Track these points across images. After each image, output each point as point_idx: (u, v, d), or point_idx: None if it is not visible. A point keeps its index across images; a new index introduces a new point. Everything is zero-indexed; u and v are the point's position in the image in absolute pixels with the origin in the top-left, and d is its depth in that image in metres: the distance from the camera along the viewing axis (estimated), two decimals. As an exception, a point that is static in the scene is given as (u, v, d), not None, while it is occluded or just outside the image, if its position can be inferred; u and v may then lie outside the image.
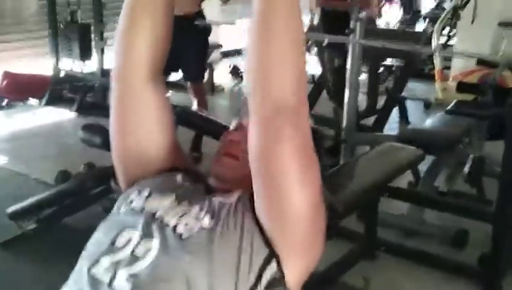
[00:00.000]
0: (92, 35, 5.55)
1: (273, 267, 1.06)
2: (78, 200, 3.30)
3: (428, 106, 5.93)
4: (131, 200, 1.22)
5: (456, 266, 2.94)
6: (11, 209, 3.20)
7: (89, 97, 5.73)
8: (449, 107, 3.98)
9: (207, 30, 4.37)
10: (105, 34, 5.53)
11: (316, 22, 4.30)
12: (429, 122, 3.75)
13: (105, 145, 3.18)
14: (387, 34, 5.28)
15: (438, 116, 3.90)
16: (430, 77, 6.41)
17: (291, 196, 1.02)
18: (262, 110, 1.00)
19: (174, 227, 1.10)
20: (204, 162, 4.29)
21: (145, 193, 1.21)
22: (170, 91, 4.18)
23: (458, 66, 5.78)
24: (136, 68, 1.23)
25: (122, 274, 1.05)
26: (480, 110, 3.89)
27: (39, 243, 3.15)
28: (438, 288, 2.82)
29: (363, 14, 3.43)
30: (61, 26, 5.67)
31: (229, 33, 7.19)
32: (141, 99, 1.25)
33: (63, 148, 4.69)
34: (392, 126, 5.10)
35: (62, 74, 5.90)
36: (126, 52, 1.24)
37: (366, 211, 3.00)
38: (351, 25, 3.39)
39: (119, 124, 1.28)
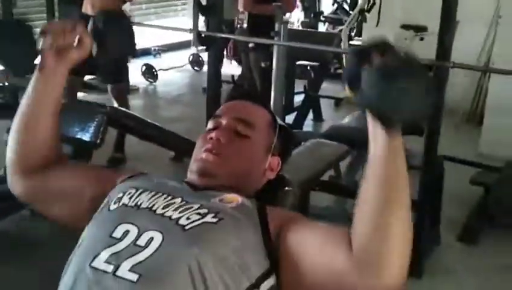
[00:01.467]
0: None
1: (271, 282, 1.14)
2: (7, 205, 3.21)
3: (337, 103, 6.22)
4: (119, 198, 1.26)
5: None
6: None
7: (-1, 99, 5.52)
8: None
9: (128, 30, 4.31)
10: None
11: (245, 25, 4.43)
12: (348, 119, 3.97)
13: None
14: (305, 36, 5.49)
15: (354, 113, 4.14)
16: (336, 76, 6.74)
17: None
18: (369, 276, 1.01)
19: (177, 220, 1.15)
20: (129, 163, 4.30)
21: (133, 191, 1.26)
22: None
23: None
24: (44, 160, 1.39)
25: (126, 264, 1.09)
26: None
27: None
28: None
29: (286, 17, 3.59)
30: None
31: (139, 32, 7.14)
32: (59, 180, 1.40)
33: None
34: (307, 123, 5.32)
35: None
36: (27, 153, 1.40)
37: (299, 204, 3.15)
38: (276, 28, 3.53)
39: (48, 206, 1.42)
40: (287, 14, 3.82)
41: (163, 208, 1.19)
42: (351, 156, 3.72)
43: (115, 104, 4.35)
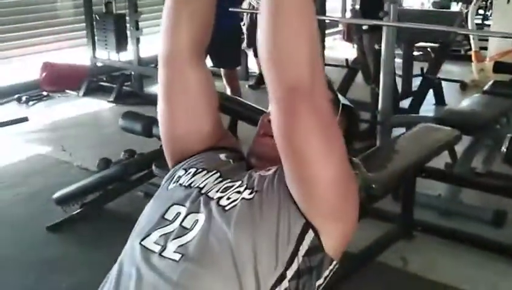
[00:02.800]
0: (128, 25, 5.66)
1: (310, 235, 1.11)
2: (120, 186, 3.39)
3: (464, 87, 5.87)
4: (179, 176, 1.28)
5: (495, 245, 2.93)
6: (56, 194, 3.31)
7: (126, 86, 5.86)
8: (486, 87, 3.97)
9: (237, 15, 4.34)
10: (141, 24, 5.62)
11: (357, 7, 4.30)
12: (465, 103, 3.72)
13: (145, 132, 3.28)
14: (422, 15, 5.24)
15: (474, 96, 3.88)
16: (466, 58, 6.36)
17: (315, 167, 1.06)
18: (278, 91, 1.03)
19: (218, 200, 1.16)
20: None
21: (192, 170, 1.28)
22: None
23: (494, 46, 5.73)
24: (183, 52, 1.29)
25: (172, 245, 1.11)
26: (517, 90, 3.86)
27: (83, 226, 3.27)
28: (477, 267, 2.82)
29: (397, -4, 3.42)
30: (97, 17, 5.80)
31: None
32: (189, 82, 1.30)
33: (103, 136, 4.80)
34: (428, 108, 5.08)
35: (99, 64, 6.04)
36: (173, 36, 1.29)
37: (403, 191, 3.02)
38: (385, 8, 3.39)
39: (168, 107, 1.33)
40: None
41: (211, 189, 1.20)
42: (469, 142, 3.51)
43: (228, 90, 4.45)
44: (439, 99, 5.31)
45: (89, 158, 4.16)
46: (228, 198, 1.16)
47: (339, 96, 1.38)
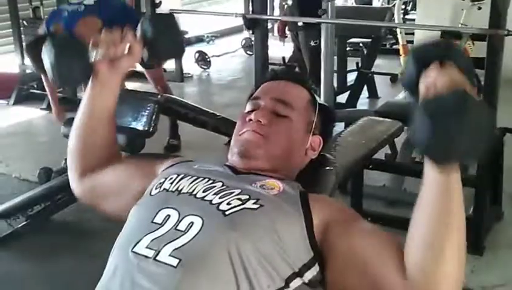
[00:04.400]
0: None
1: (315, 270, 1.11)
2: (66, 196, 3.30)
3: (394, 80, 6.08)
4: (161, 183, 1.26)
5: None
6: (0, 207, 3.19)
7: (58, 92, 5.67)
8: (419, 79, 4.12)
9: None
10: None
11: (290, 2, 4.36)
12: (402, 95, 3.86)
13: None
14: (355, 12, 5.38)
15: (409, 89, 4.02)
16: (392, 52, 6.58)
17: None
18: None
19: (218, 205, 1.15)
20: (183, 149, 4.34)
21: (174, 177, 1.26)
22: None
23: (421, 39, 5.95)
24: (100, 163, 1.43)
25: (167, 249, 1.09)
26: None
27: (31, 239, 3.16)
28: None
29: (333, -6, 3.50)
30: (25, 23, 5.61)
31: (192, 20, 7.20)
32: (105, 184, 1.43)
33: (39, 145, 4.67)
34: (362, 101, 5.23)
35: (29, 71, 5.84)
36: (86, 160, 1.45)
37: (352, 184, 3.10)
38: (323, 6, 3.45)
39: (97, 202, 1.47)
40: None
41: (203, 192, 1.19)
42: (406, 132, 3.63)
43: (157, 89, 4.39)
44: (373, 93, 5.47)
45: (27, 168, 4.03)
46: (228, 203, 1.15)
47: (315, 96, 1.42)
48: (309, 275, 1.11)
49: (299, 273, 1.10)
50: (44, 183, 3.51)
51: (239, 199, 1.16)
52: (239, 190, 1.18)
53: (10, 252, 3.09)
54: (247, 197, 1.16)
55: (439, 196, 0.99)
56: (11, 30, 5.77)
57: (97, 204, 1.46)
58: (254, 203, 1.14)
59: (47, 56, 1.31)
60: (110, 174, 1.42)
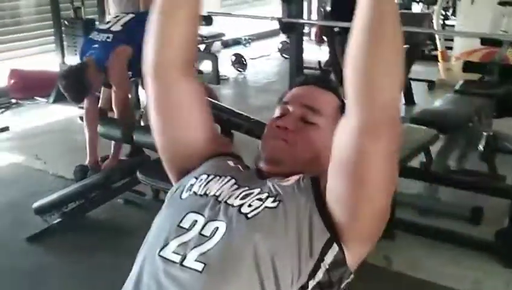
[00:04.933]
0: (97, 31, 5.59)
1: (334, 250, 1.11)
2: (102, 194, 3.36)
3: (431, 86, 6.00)
4: (191, 184, 1.27)
5: (474, 241, 3.01)
6: (36, 204, 3.26)
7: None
8: (457, 87, 4.07)
9: None
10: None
11: (328, 9, 4.34)
12: (439, 102, 3.81)
13: (125, 138, 3.26)
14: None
15: (447, 96, 3.97)
16: (430, 58, 6.49)
17: (372, 197, 1.08)
18: (366, 113, 1.03)
19: (239, 207, 1.16)
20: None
21: (204, 177, 1.27)
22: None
23: (460, 45, 5.87)
24: (174, 64, 1.29)
25: (193, 255, 1.10)
26: (488, 89, 3.97)
27: (64, 236, 3.23)
28: (458, 264, 2.89)
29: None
30: (66, 22, 5.72)
31: (230, 22, 7.24)
32: (181, 93, 1.31)
33: (76, 143, 4.73)
34: (398, 108, 5.17)
35: (68, 70, 5.94)
36: (163, 49, 1.29)
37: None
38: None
39: (163, 121, 1.34)
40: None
41: (228, 196, 1.20)
42: (442, 141, 3.59)
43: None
44: (409, 99, 5.41)
45: (64, 166, 4.11)
46: (249, 205, 1.15)
47: (345, 102, 1.40)
48: (330, 256, 1.11)
49: (321, 259, 1.10)
50: (80, 180, 3.57)
51: (259, 199, 1.16)
52: (258, 189, 1.19)
53: (45, 248, 3.15)
54: (266, 195, 1.17)
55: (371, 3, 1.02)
56: (52, 30, 5.88)
57: (162, 125, 1.34)
58: (273, 201, 1.15)
59: None
60: (187, 97, 1.31)
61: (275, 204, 1.14)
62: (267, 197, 1.16)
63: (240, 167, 1.34)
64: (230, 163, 1.34)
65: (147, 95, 1.34)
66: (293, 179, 1.21)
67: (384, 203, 1.10)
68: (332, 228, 1.12)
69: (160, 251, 1.14)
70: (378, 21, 1.01)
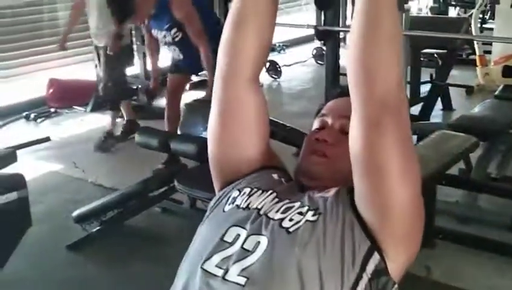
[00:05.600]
0: (133, 40, 5.66)
1: (376, 258, 1.10)
2: (139, 202, 3.39)
3: (470, 92, 5.90)
4: (234, 197, 1.27)
5: (517, 251, 2.94)
6: (75, 212, 3.31)
7: (133, 100, 5.85)
8: (497, 92, 3.99)
9: None
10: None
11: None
12: (478, 108, 3.75)
13: (162, 147, 3.29)
14: (430, 22, 5.27)
15: (486, 102, 3.90)
16: (468, 63, 6.38)
17: (395, 189, 1.07)
18: (367, 106, 1.05)
19: (280, 221, 1.15)
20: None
21: (247, 190, 1.27)
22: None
23: (498, 50, 5.76)
24: (246, 70, 1.28)
25: (235, 269, 1.10)
26: (529, 95, 3.89)
27: (104, 244, 3.27)
28: (501, 273, 2.83)
29: (408, 5, 3.45)
30: (103, 32, 5.79)
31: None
32: (248, 103, 1.30)
33: (114, 152, 4.80)
34: (435, 113, 5.10)
35: (106, 79, 6.03)
36: (239, 53, 1.28)
37: (424, 200, 3.02)
38: (397, 16, 3.40)
39: (222, 127, 1.32)
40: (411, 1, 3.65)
41: (269, 210, 1.19)
42: (482, 148, 3.52)
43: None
44: (447, 105, 5.33)
45: (102, 174, 4.17)
46: (291, 219, 1.15)
47: None
48: (371, 265, 1.10)
49: (363, 269, 1.09)
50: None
51: (300, 213, 1.16)
52: (299, 203, 1.19)
53: (84, 257, 3.19)
54: (306, 208, 1.16)
55: None
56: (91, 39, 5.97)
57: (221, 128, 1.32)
58: (313, 214, 1.15)
59: None
60: (250, 107, 1.29)
61: (315, 217, 1.14)
62: (308, 211, 1.16)
63: (283, 180, 1.33)
64: (275, 176, 1.34)
65: (214, 101, 1.32)
66: (332, 191, 1.20)
67: (410, 194, 1.09)
68: (371, 236, 1.11)
69: (203, 263, 1.14)
70: (374, 6, 1.02)
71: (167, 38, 4.02)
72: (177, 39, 3.98)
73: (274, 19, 1.30)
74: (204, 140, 2.86)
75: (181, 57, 4.13)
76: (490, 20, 7.54)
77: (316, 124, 1.37)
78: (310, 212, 1.15)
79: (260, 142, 1.34)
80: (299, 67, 7.45)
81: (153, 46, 4.41)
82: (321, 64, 7.31)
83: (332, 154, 1.29)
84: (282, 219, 1.16)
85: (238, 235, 1.16)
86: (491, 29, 6.62)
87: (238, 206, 1.24)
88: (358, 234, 1.10)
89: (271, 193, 1.25)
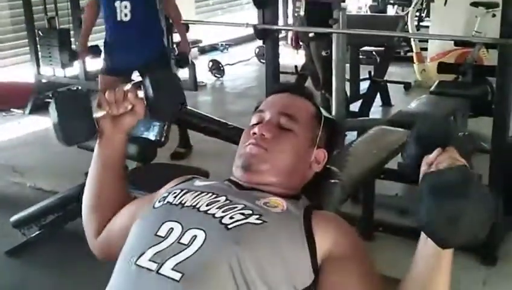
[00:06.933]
0: (72, 40, 5.55)
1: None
2: (79, 205, 3.32)
3: (408, 88, 6.06)
4: (164, 197, 1.27)
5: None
6: (14, 217, 3.22)
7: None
8: (432, 88, 4.11)
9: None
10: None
11: (301, 13, 4.36)
12: (414, 104, 3.85)
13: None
14: (367, 20, 5.37)
15: (422, 97, 4.01)
16: (406, 60, 6.56)
17: None
18: None
19: (220, 219, 1.16)
20: (194, 158, 4.37)
21: (178, 191, 1.27)
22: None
23: (435, 47, 5.93)
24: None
25: (170, 263, 1.10)
26: (462, 90, 4.02)
27: (44, 249, 3.19)
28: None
29: (345, 4, 3.50)
30: (40, 33, 5.67)
31: (206, 29, 7.25)
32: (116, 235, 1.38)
33: (53, 155, 4.68)
34: (375, 110, 5.21)
35: (44, 81, 5.91)
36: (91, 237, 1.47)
37: (364, 193, 3.09)
38: (334, 15, 3.46)
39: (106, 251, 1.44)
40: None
41: (206, 206, 1.20)
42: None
43: None
44: (386, 101, 5.46)
45: (41, 178, 4.07)
46: (231, 217, 1.15)
47: (321, 109, 1.42)
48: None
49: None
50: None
51: (242, 214, 1.16)
52: (242, 205, 1.19)
53: (24, 262, 3.11)
54: (250, 212, 1.17)
55: (430, 270, 1.08)
56: (27, 40, 5.83)
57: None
58: (257, 218, 1.15)
59: (51, 115, 1.35)
60: (120, 223, 1.41)
61: (258, 222, 1.14)
62: (251, 215, 1.16)
63: (212, 182, 1.35)
64: (197, 182, 1.35)
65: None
66: (280, 205, 1.21)
67: None
68: (316, 275, 1.13)
69: (137, 260, 1.14)
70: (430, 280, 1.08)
71: None
72: None
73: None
74: (145, 140, 2.84)
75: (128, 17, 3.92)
76: (427, 18, 7.76)
77: (253, 120, 1.39)
78: (254, 216, 1.16)
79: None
80: (242, 66, 7.47)
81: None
82: (264, 62, 7.35)
83: (271, 148, 1.30)
84: (222, 216, 1.16)
85: (172, 229, 1.16)
86: (428, 26, 6.82)
87: (170, 203, 1.24)
88: (306, 264, 1.14)
89: (206, 192, 1.25)
